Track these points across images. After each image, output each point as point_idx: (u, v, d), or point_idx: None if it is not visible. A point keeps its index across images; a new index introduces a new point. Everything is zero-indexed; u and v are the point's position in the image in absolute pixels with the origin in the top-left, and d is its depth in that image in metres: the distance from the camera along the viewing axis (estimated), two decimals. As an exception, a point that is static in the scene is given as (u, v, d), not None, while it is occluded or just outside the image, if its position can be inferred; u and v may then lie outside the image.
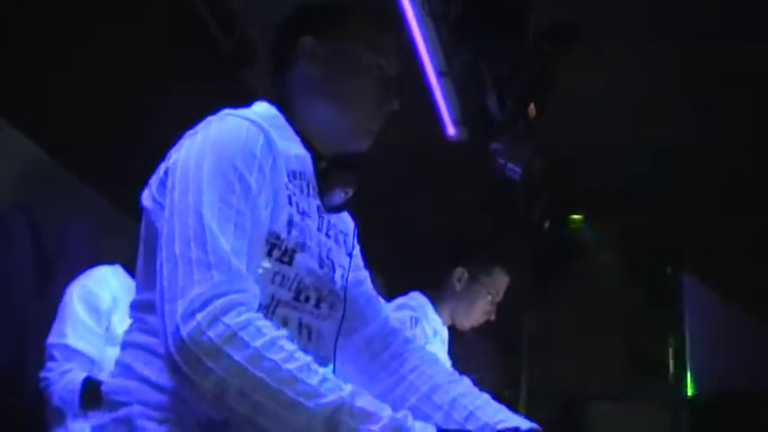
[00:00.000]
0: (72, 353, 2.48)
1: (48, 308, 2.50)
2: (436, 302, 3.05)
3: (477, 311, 3.08)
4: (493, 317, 3.11)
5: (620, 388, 6.67)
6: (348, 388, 1.18)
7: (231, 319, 1.17)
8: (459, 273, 3.05)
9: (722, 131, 4.75)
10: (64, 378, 2.44)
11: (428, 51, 3.80)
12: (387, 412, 1.17)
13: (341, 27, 1.56)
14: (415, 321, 2.90)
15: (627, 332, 6.86)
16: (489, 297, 3.07)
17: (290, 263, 1.36)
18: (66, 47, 2.53)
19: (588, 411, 6.61)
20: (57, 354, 2.48)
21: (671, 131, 4.80)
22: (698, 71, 4.16)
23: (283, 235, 1.35)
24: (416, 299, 3.03)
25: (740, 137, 4.80)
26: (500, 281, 3.11)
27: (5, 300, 2.51)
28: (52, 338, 2.50)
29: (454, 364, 2.97)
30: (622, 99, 4.44)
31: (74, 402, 2.38)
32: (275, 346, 1.17)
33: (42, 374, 2.49)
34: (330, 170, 1.49)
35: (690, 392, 5.45)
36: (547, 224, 5.36)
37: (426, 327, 2.94)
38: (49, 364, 2.49)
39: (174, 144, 1.41)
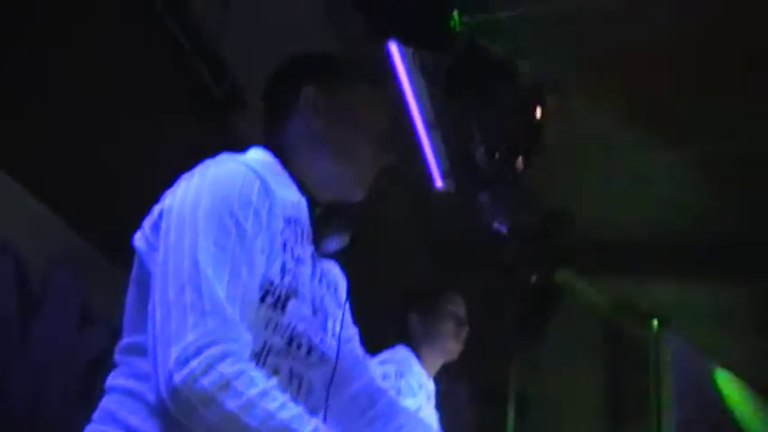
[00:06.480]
0: None
1: (31, 350, 2.45)
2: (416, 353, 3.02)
3: (449, 339, 3.04)
4: (465, 335, 3.07)
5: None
6: None
7: (225, 368, 1.16)
8: (414, 319, 3.03)
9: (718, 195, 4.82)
10: None
11: (417, 104, 3.83)
12: None
13: (342, 80, 1.59)
14: (400, 375, 2.87)
15: (609, 389, 6.84)
16: (451, 321, 3.04)
17: (283, 310, 1.35)
18: (56, 92, 2.52)
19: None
20: None
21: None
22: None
23: (277, 281, 1.35)
24: (400, 352, 3.01)
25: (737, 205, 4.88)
26: (451, 303, 3.07)
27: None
28: None
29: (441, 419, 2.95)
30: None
31: None
32: (268, 395, 1.17)
33: None
34: (326, 217, 1.50)
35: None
36: (534, 278, 5.35)
37: (411, 380, 2.91)
38: None
39: (164, 189, 1.41)
